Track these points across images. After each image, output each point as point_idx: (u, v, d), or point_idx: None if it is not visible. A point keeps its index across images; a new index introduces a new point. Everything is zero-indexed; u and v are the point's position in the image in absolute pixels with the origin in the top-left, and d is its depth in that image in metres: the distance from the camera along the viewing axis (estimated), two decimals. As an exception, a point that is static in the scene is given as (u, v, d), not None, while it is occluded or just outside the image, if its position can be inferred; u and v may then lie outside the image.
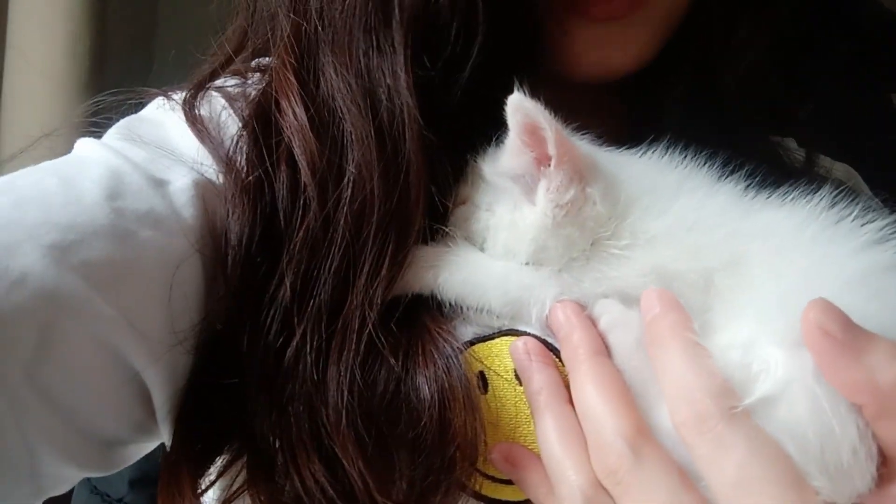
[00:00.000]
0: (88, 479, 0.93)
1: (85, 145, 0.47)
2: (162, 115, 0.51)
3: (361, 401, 0.40)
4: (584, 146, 0.43)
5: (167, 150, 0.47)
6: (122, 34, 1.33)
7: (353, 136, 0.45)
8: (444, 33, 0.46)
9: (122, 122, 0.50)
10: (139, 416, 0.44)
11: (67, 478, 0.42)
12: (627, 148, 0.47)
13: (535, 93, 0.44)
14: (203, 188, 0.45)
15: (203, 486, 0.45)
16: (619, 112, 0.59)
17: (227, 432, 0.44)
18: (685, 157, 0.46)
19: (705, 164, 0.46)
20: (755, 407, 0.34)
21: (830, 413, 0.32)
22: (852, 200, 0.42)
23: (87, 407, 0.40)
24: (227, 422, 0.44)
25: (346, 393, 0.40)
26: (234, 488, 0.44)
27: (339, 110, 0.46)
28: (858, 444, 0.32)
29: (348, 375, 0.40)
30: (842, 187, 0.43)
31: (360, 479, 0.38)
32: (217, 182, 0.46)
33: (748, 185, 0.45)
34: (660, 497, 0.34)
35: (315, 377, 0.41)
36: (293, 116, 0.46)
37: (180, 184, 0.44)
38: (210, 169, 0.46)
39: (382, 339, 0.41)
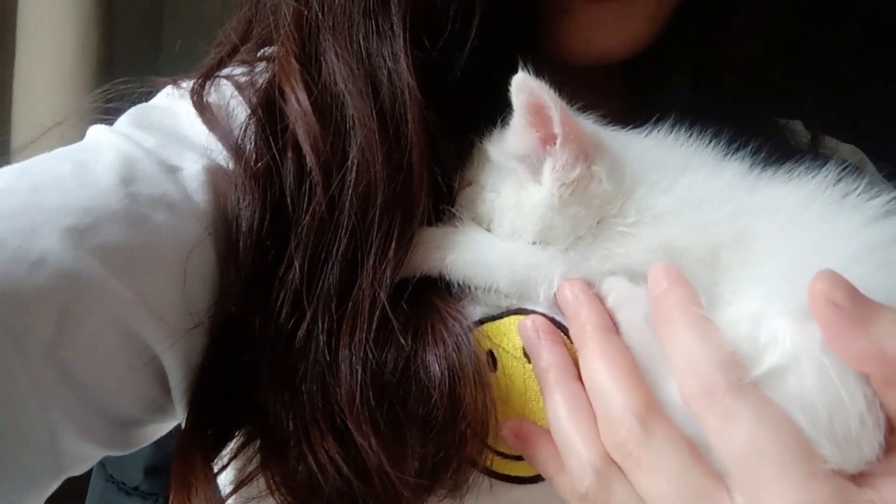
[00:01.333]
0: (104, 468, 0.94)
1: (97, 132, 0.47)
2: (172, 103, 0.52)
3: (373, 379, 0.40)
4: (589, 125, 0.44)
5: (178, 136, 0.47)
6: (130, 25, 1.34)
7: (356, 120, 0.45)
8: (443, 15, 0.46)
9: (133, 109, 0.51)
10: (155, 395, 0.44)
11: (87, 456, 0.43)
12: (631, 129, 0.47)
13: (536, 75, 0.44)
14: (214, 174, 0.45)
15: (216, 468, 0.46)
16: (622, 95, 0.59)
17: (240, 414, 0.45)
18: (690, 135, 0.46)
19: (710, 142, 0.46)
20: (764, 378, 0.34)
21: (839, 383, 0.33)
22: (857, 177, 0.42)
23: (104, 386, 0.41)
24: (240, 403, 0.44)
25: (358, 372, 0.40)
26: (249, 470, 0.44)
27: (340, 95, 0.46)
28: (866, 413, 0.33)
29: (361, 354, 0.41)
30: (846, 164, 0.43)
31: (374, 456, 0.39)
32: (227, 168, 0.46)
33: (753, 163, 0.45)
34: (669, 469, 0.34)
35: (327, 357, 0.41)
36: (296, 102, 0.47)
37: (192, 170, 0.45)
38: (220, 155, 0.47)
39: (393, 318, 0.41)
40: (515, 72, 0.48)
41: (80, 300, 0.38)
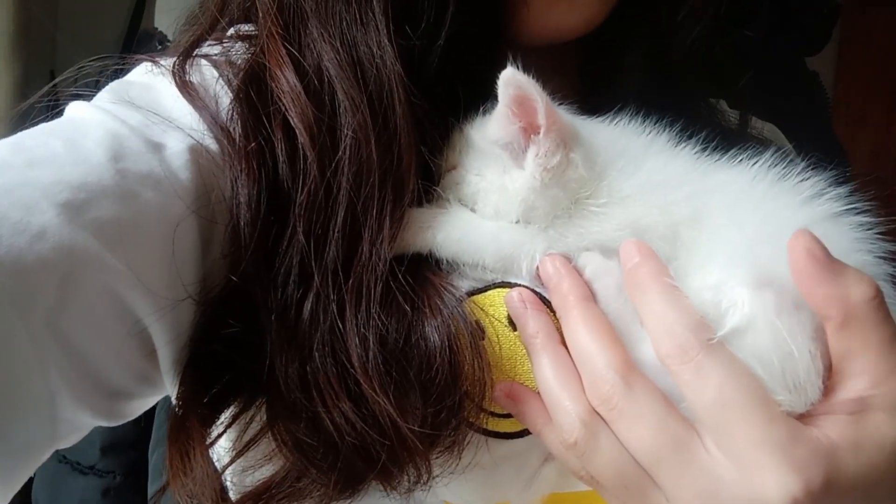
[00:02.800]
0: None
1: (79, 108, 0.48)
2: (152, 79, 0.52)
3: (381, 345, 0.44)
4: (567, 115, 0.48)
5: (160, 114, 0.48)
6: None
7: (347, 104, 0.48)
8: (420, 5, 0.49)
9: (113, 84, 0.52)
10: (143, 367, 0.46)
11: (80, 425, 0.45)
12: (584, 109, 0.52)
13: (502, 57, 0.48)
14: (197, 153, 0.47)
15: (212, 438, 0.48)
16: (575, 73, 0.64)
17: (238, 383, 0.47)
18: (647, 123, 0.51)
19: (664, 129, 0.51)
20: (727, 338, 0.40)
21: (790, 340, 0.39)
22: (790, 161, 0.49)
23: (99, 356, 0.43)
24: (238, 373, 0.47)
25: (368, 338, 0.43)
26: (251, 435, 0.47)
27: (329, 77, 0.49)
28: (811, 364, 0.39)
29: (369, 322, 0.44)
30: (779, 149, 0.50)
31: (387, 411, 0.42)
32: (210, 148, 0.48)
33: (701, 148, 0.51)
34: (649, 418, 0.40)
35: (339, 325, 0.44)
36: (286, 83, 0.48)
37: (176, 148, 0.46)
38: (203, 135, 0.48)
39: (395, 288, 0.45)
40: (486, 56, 0.52)
41: (77, 272, 0.40)
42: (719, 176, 0.48)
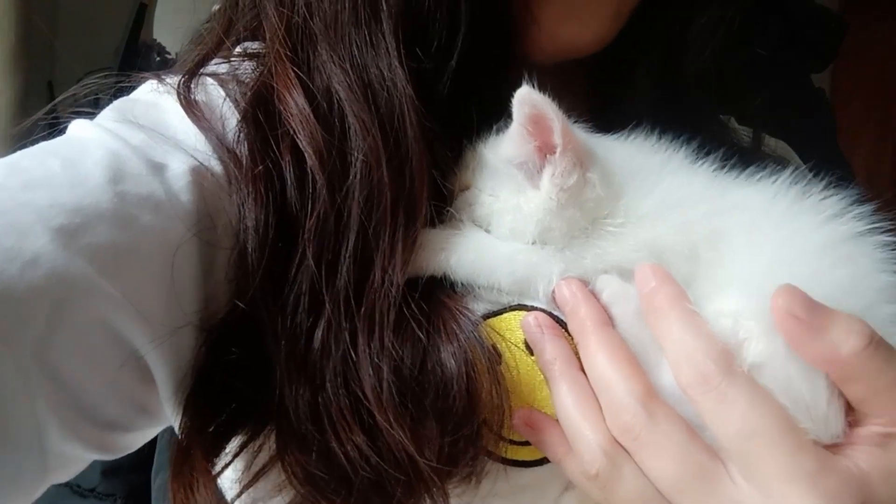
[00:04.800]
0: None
1: (80, 127, 0.47)
2: (157, 98, 0.51)
3: (396, 374, 0.42)
4: (583, 134, 0.47)
5: (164, 133, 0.47)
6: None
7: (357, 127, 0.47)
8: (431, 25, 0.48)
9: (116, 103, 0.51)
10: (140, 397, 0.45)
11: (73, 458, 0.43)
12: (595, 126, 0.51)
13: (512, 75, 0.47)
14: (199, 175, 0.46)
15: (218, 467, 0.47)
16: (584, 90, 0.63)
17: (244, 412, 0.46)
18: (662, 140, 0.50)
19: (680, 146, 0.50)
20: (748, 368, 0.39)
21: (804, 383, 0.38)
22: (809, 179, 0.48)
23: (90, 387, 0.41)
24: (244, 402, 0.46)
25: (382, 368, 0.42)
26: (259, 465, 0.46)
27: (338, 99, 0.48)
28: (831, 398, 0.38)
29: (383, 351, 0.43)
30: (796, 167, 0.49)
31: (402, 445, 0.41)
32: (215, 169, 0.47)
33: (719, 166, 0.50)
34: (673, 448, 0.38)
35: (352, 354, 0.43)
36: (294, 105, 0.48)
37: (177, 169, 0.45)
38: (207, 156, 0.47)
39: (409, 315, 0.44)
40: (496, 75, 0.51)
41: (69, 300, 0.38)
42: (738, 194, 0.47)
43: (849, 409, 0.38)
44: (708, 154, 0.50)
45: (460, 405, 0.42)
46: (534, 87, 0.43)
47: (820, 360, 0.37)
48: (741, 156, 0.54)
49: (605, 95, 0.63)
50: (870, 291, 0.41)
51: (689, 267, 0.44)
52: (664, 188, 0.47)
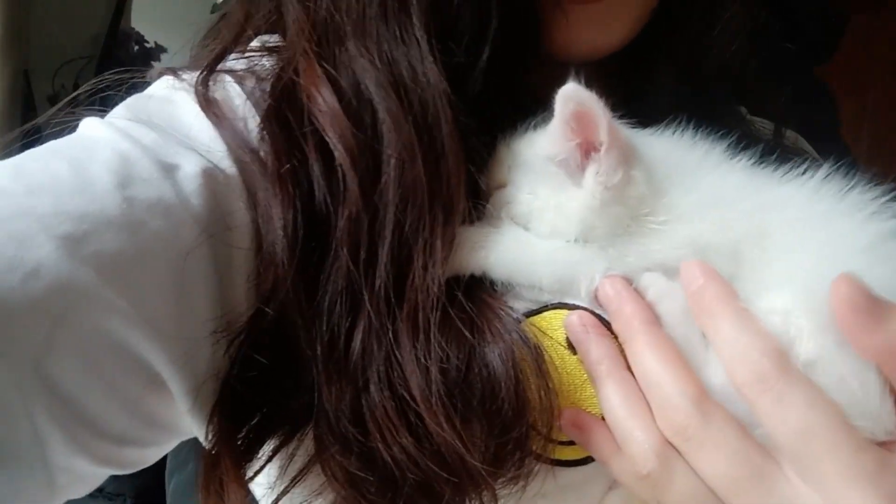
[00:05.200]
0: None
1: (91, 125, 0.46)
2: (172, 94, 0.50)
3: (443, 375, 0.42)
4: (626, 131, 0.46)
5: (177, 131, 0.46)
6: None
7: (390, 123, 0.46)
8: (462, 19, 0.47)
9: (130, 100, 0.49)
10: (153, 410, 0.44)
11: (84, 473, 0.42)
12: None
13: (541, 71, 0.46)
14: (213, 177, 0.45)
15: (249, 475, 0.46)
16: (605, 86, 0.62)
17: (275, 417, 0.45)
18: (696, 135, 0.50)
19: (716, 141, 0.50)
20: (801, 365, 0.39)
21: (856, 374, 0.38)
22: (846, 174, 0.48)
23: (95, 400, 0.40)
24: (275, 406, 0.45)
25: (431, 369, 0.41)
26: (297, 469, 0.45)
27: (368, 97, 0.47)
28: (881, 402, 0.38)
29: (429, 351, 0.42)
30: (840, 163, 0.48)
31: (452, 445, 0.41)
32: (229, 171, 0.46)
33: (755, 162, 0.50)
34: (727, 447, 0.38)
35: (395, 356, 0.42)
36: (324, 103, 0.46)
37: (189, 170, 0.44)
38: (221, 156, 0.46)
39: (454, 314, 0.43)
40: (525, 72, 0.50)
41: (71, 311, 0.37)
42: (780, 190, 0.47)
43: None
44: (742, 149, 0.50)
45: (509, 407, 0.42)
46: (580, 83, 0.43)
47: (876, 351, 0.37)
48: (764, 149, 0.54)
49: (627, 92, 0.62)
50: None
51: (731, 264, 0.44)
52: (705, 185, 0.47)
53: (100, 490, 0.92)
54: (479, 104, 0.49)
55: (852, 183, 0.47)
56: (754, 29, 0.60)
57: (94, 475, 0.43)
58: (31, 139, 0.49)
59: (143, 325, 0.40)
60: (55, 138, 0.44)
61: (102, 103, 0.51)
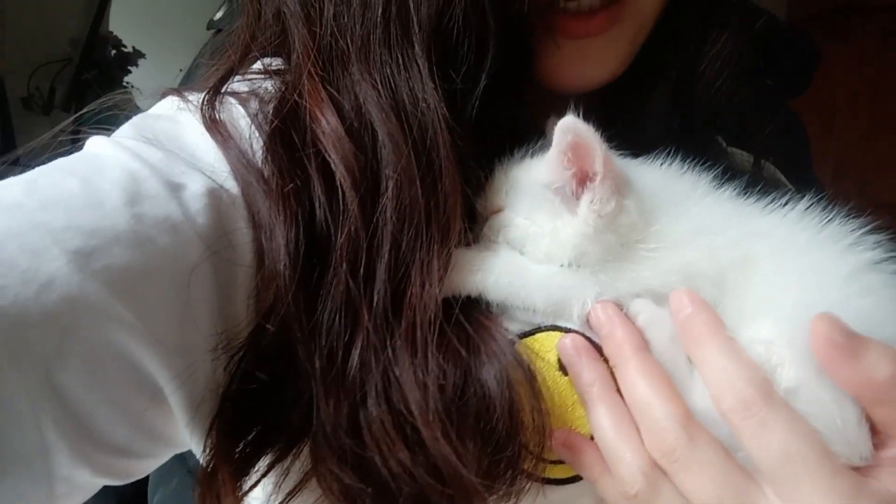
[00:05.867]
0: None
1: (98, 144, 0.47)
2: (177, 114, 0.51)
3: (441, 392, 0.43)
4: (620, 161, 0.48)
5: (183, 151, 0.47)
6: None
7: (389, 145, 0.47)
8: (461, 47, 0.49)
9: (136, 119, 0.50)
10: (153, 422, 0.45)
11: (81, 484, 0.43)
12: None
13: (535, 100, 0.48)
14: (216, 197, 0.46)
15: (246, 487, 0.46)
16: (596, 114, 0.64)
17: (273, 432, 0.46)
18: (684, 166, 0.52)
19: (702, 172, 0.52)
20: (782, 392, 0.41)
21: (835, 410, 0.40)
22: (826, 206, 0.50)
23: (100, 413, 0.41)
24: (273, 421, 0.45)
25: (428, 385, 0.43)
26: (293, 484, 0.46)
27: (369, 120, 0.48)
28: (858, 429, 0.40)
29: (428, 367, 0.43)
30: (821, 195, 0.51)
31: (449, 460, 0.42)
32: (233, 190, 0.47)
33: (739, 193, 0.52)
34: (712, 469, 0.40)
35: (393, 372, 0.43)
36: (327, 124, 0.48)
37: (195, 190, 0.45)
38: (225, 176, 0.47)
39: (450, 333, 0.44)
40: (521, 100, 0.52)
41: (82, 324, 0.38)
42: (763, 220, 0.49)
43: (873, 432, 0.41)
44: (727, 180, 0.52)
45: (503, 426, 0.43)
46: (578, 115, 0.44)
47: (854, 385, 0.39)
48: (745, 180, 0.56)
49: (618, 122, 0.64)
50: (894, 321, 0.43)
51: (716, 291, 0.46)
52: (693, 214, 0.48)
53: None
54: (477, 130, 0.50)
55: (831, 215, 0.49)
56: (741, 63, 0.62)
57: (92, 485, 0.44)
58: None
59: (148, 338, 0.41)
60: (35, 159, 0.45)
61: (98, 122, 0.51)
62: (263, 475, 0.46)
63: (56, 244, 0.38)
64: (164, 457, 0.49)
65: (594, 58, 0.55)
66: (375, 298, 0.45)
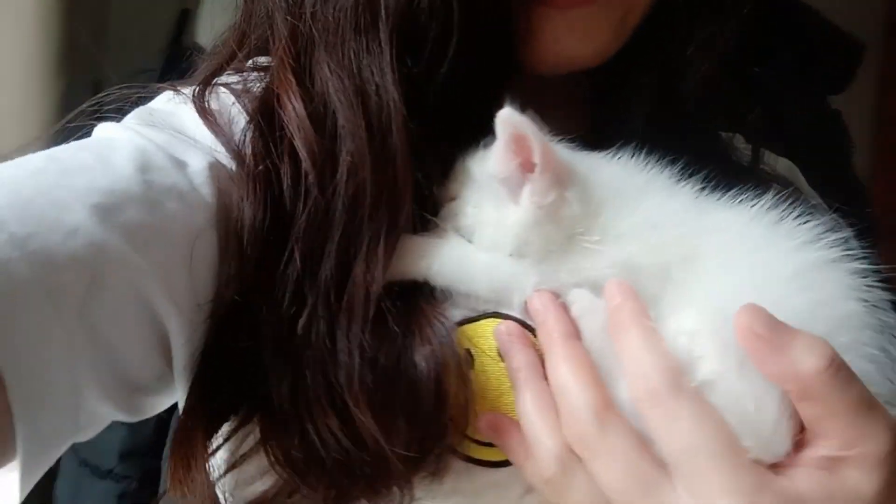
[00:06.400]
0: (76, 452, 0.96)
1: (108, 129, 0.52)
2: (174, 107, 0.55)
3: (370, 367, 0.45)
4: (564, 153, 0.49)
5: (183, 135, 0.52)
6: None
7: (346, 129, 0.50)
8: (425, 34, 0.50)
9: (138, 110, 0.55)
10: (160, 366, 0.49)
11: (101, 418, 0.46)
12: (592, 140, 0.52)
13: (507, 85, 0.48)
14: (217, 171, 0.50)
15: (211, 449, 0.50)
16: (584, 103, 0.64)
17: (239, 395, 0.49)
18: (648, 159, 0.52)
19: (666, 166, 0.52)
20: (699, 385, 0.40)
21: (752, 406, 0.39)
22: (794, 200, 0.48)
23: (124, 350, 0.45)
24: (240, 385, 0.49)
25: (356, 359, 0.45)
26: (246, 449, 0.49)
27: (332, 105, 0.51)
28: (779, 420, 0.39)
29: (357, 344, 0.45)
30: (787, 188, 0.49)
31: (370, 431, 0.44)
32: (229, 168, 0.51)
33: (703, 187, 0.51)
34: (622, 459, 0.40)
35: (327, 344, 0.46)
36: (293, 111, 0.51)
37: (198, 166, 0.49)
38: (223, 155, 0.51)
39: (388, 313, 0.46)
40: (495, 87, 0.53)
41: (107, 268, 0.42)
42: (717, 216, 0.48)
43: (800, 430, 0.40)
44: (698, 172, 0.51)
45: (429, 405, 0.44)
46: (517, 104, 0.45)
47: (780, 377, 0.38)
48: (738, 174, 0.55)
49: (605, 108, 0.64)
50: (829, 319, 0.42)
51: (659, 286, 0.46)
52: (644, 208, 0.48)
53: (109, 471, 0.98)
54: (442, 118, 0.52)
55: (794, 211, 0.48)
56: (728, 48, 0.61)
57: (107, 420, 0.47)
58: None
59: (161, 288, 0.45)
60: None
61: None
62: (226, 439, 0.50)
63: (78, 200, 0.42)
64: (169, 400, 0.53)
65: (580, 29, 0.54)
66: (322, 275, 0.47)
